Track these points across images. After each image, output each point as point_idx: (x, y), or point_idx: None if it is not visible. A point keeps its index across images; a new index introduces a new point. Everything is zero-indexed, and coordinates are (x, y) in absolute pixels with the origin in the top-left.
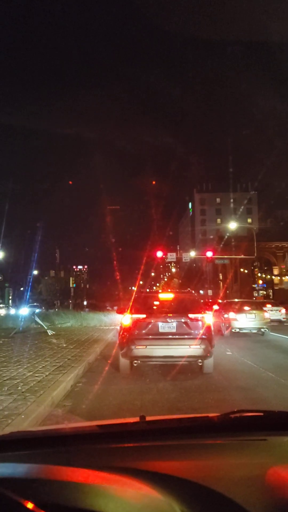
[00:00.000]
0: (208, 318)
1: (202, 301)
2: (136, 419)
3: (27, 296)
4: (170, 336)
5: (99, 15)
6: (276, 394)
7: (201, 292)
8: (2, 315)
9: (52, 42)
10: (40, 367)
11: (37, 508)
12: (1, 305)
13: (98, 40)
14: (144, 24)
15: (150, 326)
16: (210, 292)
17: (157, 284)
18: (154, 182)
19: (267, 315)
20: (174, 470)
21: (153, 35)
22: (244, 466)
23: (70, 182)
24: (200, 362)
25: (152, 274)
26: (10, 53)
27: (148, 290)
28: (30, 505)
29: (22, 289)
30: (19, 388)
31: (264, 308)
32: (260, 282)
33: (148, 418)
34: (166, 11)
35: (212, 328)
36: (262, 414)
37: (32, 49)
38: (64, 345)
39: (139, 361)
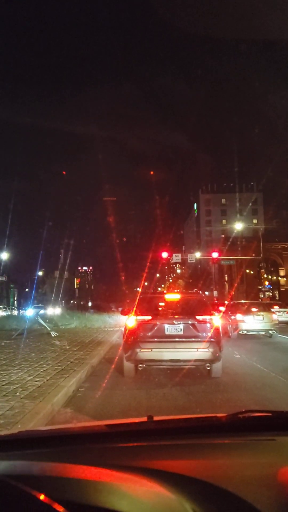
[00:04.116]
0: (216, 320)
1: (209, 302)
2: (144, 419)
3: (32, 297)
4: (177, 339)
5: (108, 13)
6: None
7: (207, 293)
8: (1, 316)
9: (60, 40)
10: (41, 370)
11: (50, 500)
12: (0, 306)
13: (107, 39)
14: (155, 23)
15: (156, 328)
16: (215, 293)
17: (162, 285)
18: (160, 170)
19: (275, 316)
20: (184, 469)
21: (163, 33)
22: (253, 466)
23: (64, 172)
24: (208, 366)
25: (157, 275)
26: (19, 52)
27: (153, 291)
28: (42, 497)
29: (27, 290)
30: (18, 393)
31: (272, 310)
32: (266, 283)
33: (155, 418)
34: (177, 10)
35: (221, 331)
36: (270, 414)
37: (40, 48)
38: (67, 347)
39: (144, 365)
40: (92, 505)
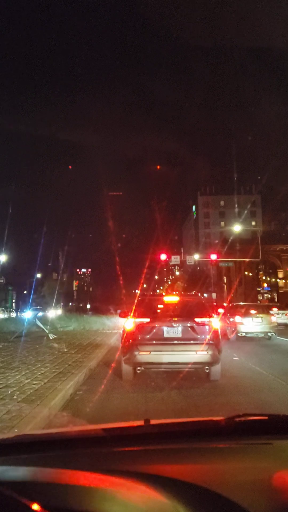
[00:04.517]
0: (215, 322)
1: (208, 304)
2: (141, 422)
3: (31, 299)
4: (176, 342)
5: (102, 21)
6: None
7: (205, 295)
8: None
9: (55, 49)
10: (39, 373)
11: (43, 510)
12: None
13: (101, 46)
14: (148, 30)
15: (154, 330)
16: (214, 295)
17: (161, 287)
18: (158, 172)
19: (274, 318)
20: (179, 473)
21: (157, 40)
22: (249, 470)
23: (70, 167)
24: (207, 369)
25: (156, 277)
26: (13, 59)
27: (151, 293)
28: (36, 507)
29: (25, 292)
30: (15, 397)
31: (271, 312)
32: (265, 285)
33: (152, 422)
34: (169, 17)
35: (220, 333)
36: (267, 418)
37: (35, 55)
38: (65, 350)
39: (142, 368)
40: (82, 511)
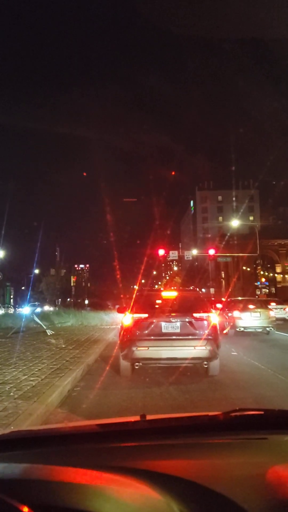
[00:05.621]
0: (213, 317)
1: (206, 299)
2: (137, 418)
3: (28, 295)
4: (174, 337)
5: (97, 16)
6: None
7: (203, 290)
8: None
9: (51, 44)
10: (36, 370)
11: (32, 511)
12: None
13: (97, 42)
14: (142, 24)
15: (152, 326)
16: (212, 290)
17: (159, 283)
18: (155, 167)
19: (272, 313)
20: (174, 469)
21: (151, 35)
22: (244, 465)
23: (84, 174)
24: (205, 364)
25: (154, 272)
26: (10, 55)
27: (149, 288)
28: (25, 509)
29: (23, 288)
30: (11, 394)
31: (269, 307)
32: (263, 280)
33: (148, 417)
34: (163, 11)
35: (218, 328)
36: (262, 412)
37: (31, 51)
38: (63, 346)
39: (140, 363)
40: (76, 509)
